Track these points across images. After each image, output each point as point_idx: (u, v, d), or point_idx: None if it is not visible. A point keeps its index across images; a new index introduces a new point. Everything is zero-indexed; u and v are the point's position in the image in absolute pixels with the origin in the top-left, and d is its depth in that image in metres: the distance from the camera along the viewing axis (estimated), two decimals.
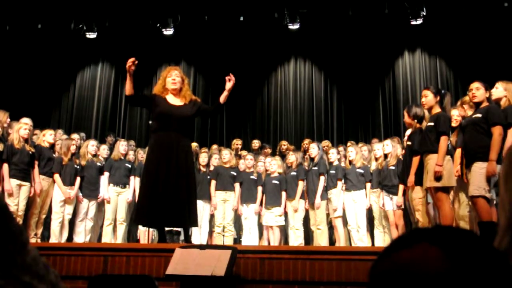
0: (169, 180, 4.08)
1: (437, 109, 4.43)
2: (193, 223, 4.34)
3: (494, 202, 4.33)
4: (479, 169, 4.05)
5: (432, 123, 4.38)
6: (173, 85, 4.35)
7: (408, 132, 5.69)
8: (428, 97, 4.46)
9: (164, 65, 10.63)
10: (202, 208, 6.48)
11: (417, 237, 0.66)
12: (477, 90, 4.27)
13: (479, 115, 4.20)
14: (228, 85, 4.37)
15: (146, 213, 4.12)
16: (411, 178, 4.78)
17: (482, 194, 3.99)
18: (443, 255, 0.62)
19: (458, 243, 0.64)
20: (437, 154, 4.22)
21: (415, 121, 5.03)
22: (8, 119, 6.02)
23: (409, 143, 5.07)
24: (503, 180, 0.89)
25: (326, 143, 7.65)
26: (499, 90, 4.33)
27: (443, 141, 4.23)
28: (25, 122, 6.02)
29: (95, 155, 6.61)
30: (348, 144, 7.15)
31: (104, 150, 6.81)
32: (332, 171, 6.46)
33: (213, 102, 4.93)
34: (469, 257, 0.62)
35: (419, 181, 4.65)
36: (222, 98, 4.41)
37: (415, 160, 4.74)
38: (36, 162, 5.93)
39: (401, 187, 5.62)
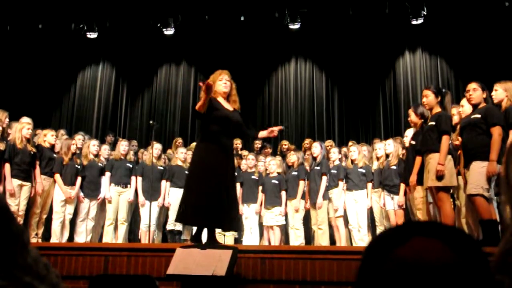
0: (228, 185, 4.19)
1: (437, 109, 4.43)
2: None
3: (494, 201, 4.32)
4: (477, 168, 4.05)
5: (433, 123, 4.37)
6: (225, 88, 4.38)
7: (408, 131, 5.69)
8: (430, 97, 4.45)
9: (164, 65, 10.66)
10: None
11: (407, 233, 0.66)
12: (474, 91, 4.26)
13: (478, 116, 4.19)
14: (272, 133, 4.48)
15: (208, 214, 4.07)
16: (413, 178, 4.76)
17: (480, 192, 3.98)
18: (446, 247, 0.63)
19: (453, 235, 0.65)
20: (438, 154, 4.21)
21: (422, 120, 5.02)
22: (7, 119, 6.02)
23: (413, 142, 5.06)
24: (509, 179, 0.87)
25: (329, 142, 7.65)
26: (499, 91, 4.32)
27: (445, 141, 4.22)
28: (27, 122, 6.02)
29: (96, 155, 6.62)
30: (350, 143, 7.15)
31: (105, 150, 6.81)
32: (334, 171, 6.46)
33: None
34: (467, 247, 0.64)
35: (420, 180, 4.64)
36: (259, 135, 4.56)
37: (418, 159, 4.73)
38: (38, 162, 5.93)
39: (402, 186, 5.61)
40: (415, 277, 0.62)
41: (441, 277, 0.61)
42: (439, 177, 4.16)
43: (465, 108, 4.72)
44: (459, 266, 0.62)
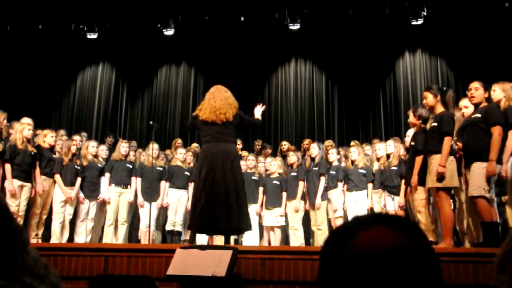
0: None
1: (440, 109, 4.40)
2: None
3: (495, 202, 4.31)
4: (478, 169, 4.04)
5: (435, 124, 4.36)
6: None
7: (410, 132, 5.68)
8: (428, 98, 4.46)
9: (165, 65, 10.66)
10: None
11: (358, 225, 0.70)
12: (475, 90, 4.25)
13: (478, 115, 4.18)
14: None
15: None
16: (414, 178, 4.75)
17: (482, 194, 3.97)
18: (397, 233, 0.67)
19: (400, 222, 0.70)
20: (439, 155, 4.20)
21: (420, 121, 5.01)
22: (5, 120, 6.01)
23: (413, 143, 5.05)
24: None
25: (329, 142, 7.65)
26: (497, 92, 4.31)
27: (447, 142, 4.20)
28: (28, 123, 6.02)
29: (95, 156, 6.62)
30: (352, 144, 7.14)
31: (103, 150, 6.80)
32: (332, 172, 6.46)
33: None
34: (415, 231, 0.69)
35: (421, 181, 4.62)
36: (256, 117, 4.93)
37: (418, 160, 4.71)
38: (38, 163, 5.93)
39: (403, 187, 5.60)
40: (374, 264, 0.64)
41: (398, 261, 0.64)
42: (440, 178, 4.15)
43: (470, 109, 4.69)
44: (413, 249, 0.66)
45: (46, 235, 6.18)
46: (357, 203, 6.30)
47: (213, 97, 4.60)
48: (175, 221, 6.53)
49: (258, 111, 4.95)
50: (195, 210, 4.41)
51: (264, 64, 10.31)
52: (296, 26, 9.43)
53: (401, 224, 0.69)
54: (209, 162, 4.42)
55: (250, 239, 6.57)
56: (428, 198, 4.80)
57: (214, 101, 4.55)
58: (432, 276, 0.66)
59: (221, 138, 4.46)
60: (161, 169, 6.70)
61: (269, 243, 6.49)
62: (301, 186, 6.50)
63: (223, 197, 4.31)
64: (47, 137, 6.18)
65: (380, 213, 0.74)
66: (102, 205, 6.60)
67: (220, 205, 4.29)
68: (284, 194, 6.56)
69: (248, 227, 4.63)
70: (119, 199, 6.54)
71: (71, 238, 6.26)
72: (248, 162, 6.92)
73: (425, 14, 8.95)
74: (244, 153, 7.78)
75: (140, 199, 6.54)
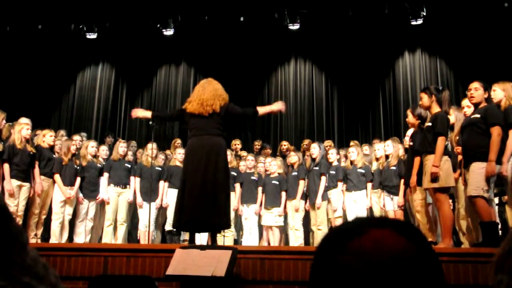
0: None
1: (436, 109, 4.40)
2: None
3: (494, 202, 4.31)
4: (477, 169, 4.04)
5: (430, 124, 4.37)
6: None
7: (409, 132, 5.69)
8: (424, 99, 4.46)
9: (164, 66, 10.66)
10: None
11: (361, 225, 0.70)
12: (475, 90, 4.25)
13: (478, 115, 4.19)
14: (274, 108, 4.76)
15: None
16: (413, 179, 4.76)
17: (481, 194, 3.98)
18: (399, 235, 0.67)
19: (402, 225, 0.70)
20: (434, 155, 4.20)
21: (419, 121, 5.01)
22: (4, 121, 6.01)
23: (411, 143, 5.06)
24: None
25: (328, 143, 7.66)
26: (498, 92, 4.31)
27: (440, 142, 4.20)
28: (26, 123, 6.01)
29: (95, 156, 6.62)
30: (351, 144, 7.15)
31: (103, 151, 6.81)
32: (332, 172, 6.46)
33: None
34: (416, 234, 0.69)
35: (420, 181, 4.62)
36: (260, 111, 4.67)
37: (417, 160, 4.72)
38: (37, 162, 5.93)
39: (402, 187, 5.60)
40: (376, 265, 0.63)
41: (400, 263, 0.64)
42: (434, 178, 4.15)
43: (472, 108, 4.69)
44: (414, 253, 0.66)
45: (46, 235, 6.18)
46: (356, 203, 6.30)
47: (202, 89, 4.48)
48: None
49: (277, 106, 4.71)
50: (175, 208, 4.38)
51: (263, 64, 10.31)
52: (296, 26, 9.43)
53: (403, 227, 0.68)
54: (192, 159, 4.27)
55: (249, 239, 6.58)
56: (426, 198, 4.81)
57: (203, 93, 4.41)
58: (433, 282, 0.65)
59: (207, 131, 4.29)
60: (160, 169, 6.70)
61: (268, 243, 6.50)
62: (301, 185, 6.50)
63: (198, 191, 4.12)
64: (46, 137, 6.18)
65: (382, 216, 0.73)
66: (102, 205, 6.60)
67: (193, 199, 4.12)
68: (284, 194, 6.56)
69: (224, 225, 4.32)
70: (118, 199, 6.54)
71: (70, 238, 6.26)
72: (247, 162, 6.93)
73: (424, 14, 8.95)
74: (244, 153, 7.79)
75: (139, 199, 6.53)
